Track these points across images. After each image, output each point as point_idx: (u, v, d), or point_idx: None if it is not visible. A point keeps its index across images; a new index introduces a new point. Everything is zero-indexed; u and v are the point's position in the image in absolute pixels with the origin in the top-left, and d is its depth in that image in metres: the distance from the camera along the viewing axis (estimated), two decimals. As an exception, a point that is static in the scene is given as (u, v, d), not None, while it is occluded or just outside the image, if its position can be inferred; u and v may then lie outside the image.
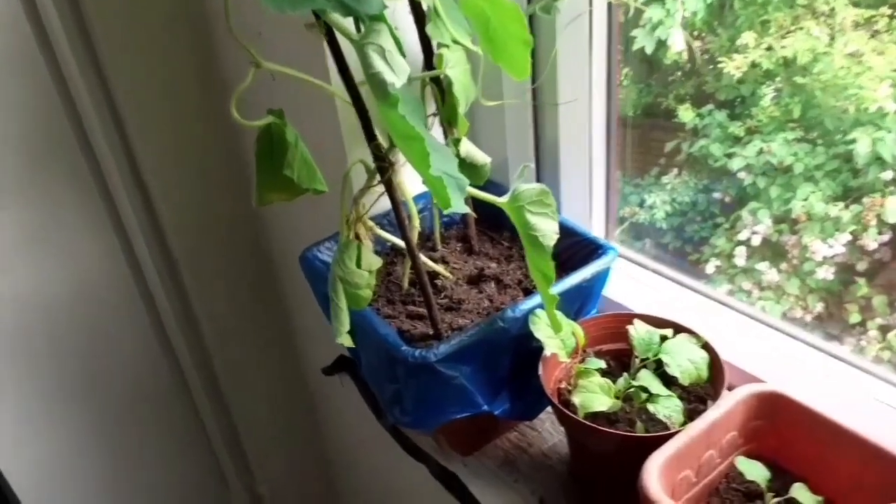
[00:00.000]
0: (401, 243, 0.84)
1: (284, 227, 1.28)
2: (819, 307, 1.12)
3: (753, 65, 1.10)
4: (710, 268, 1.20)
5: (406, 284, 0.89)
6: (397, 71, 0.55)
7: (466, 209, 0.60)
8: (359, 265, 0.69)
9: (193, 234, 1.29)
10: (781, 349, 0.85)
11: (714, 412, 0.73)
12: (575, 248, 0.89)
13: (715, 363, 0.80)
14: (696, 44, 1.15)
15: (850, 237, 1.05)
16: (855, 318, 1.07)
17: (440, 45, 0.77)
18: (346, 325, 0.69)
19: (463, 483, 0.89)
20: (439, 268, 0.90)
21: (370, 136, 0.67)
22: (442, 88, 0.84)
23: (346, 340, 0.70)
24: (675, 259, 1.11)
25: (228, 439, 1.51)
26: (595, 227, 1.01)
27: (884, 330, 1.03)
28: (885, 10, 0.95)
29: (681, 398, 0.80)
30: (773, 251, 1.18)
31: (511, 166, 0.97)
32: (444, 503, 0.94)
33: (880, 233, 1.01)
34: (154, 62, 1.13)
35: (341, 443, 1.58)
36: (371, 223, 0.81)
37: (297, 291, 1.35)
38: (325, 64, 0.84)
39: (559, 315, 0.71)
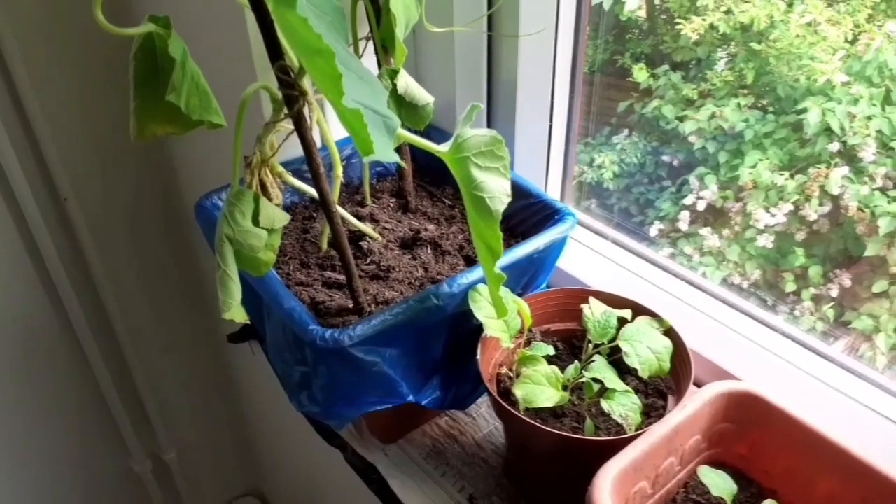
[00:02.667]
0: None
1: (195, 167, 1.10)
2: (756, 274, 1.12)
3: (711, 27, 1.09)
4: (653, 231, 1.18)
5: (325, 245, 0.75)
6: (303, -43, 0.40)
7: (395, 157, 0.46)
8: (256, 222, 0.54)
9: (86, 170, 1.10)
10: (755, 339, 0.75)
11: (679, 414, 0.62)
12: (527, 212, 0.76)
13: (679, 353, 0.70)
14: (656, 2, 1.13)
15: (792, 207, 1.05)
16: (790, 286, 1.06)
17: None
18: (237, 298, 0.54)
19: (382, 476, 0.77)
20: (366, 227, 0.75)
21: (275, 54, 0.51)
22: (378, 6, 0.68)
23: (238, 316, 0.55)
24: (620, 220, 1.08)
25: (127, 400, 1.35)
26: (550, 188, 0.88)
27: (817, 300, 1.02)
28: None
29: (636, 391, 0.69)
30: (716, 217, 1.17)
31: (459, 109, 0.83)
32: (363, 491, 0.82)
33: (821, 204, 1.01)
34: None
35: (259, 413, 1.44)
36: (281, 168, 0.65)
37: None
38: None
39: (505, 294, 0.58)
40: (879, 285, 0.99)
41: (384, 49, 0.70)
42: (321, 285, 0.71)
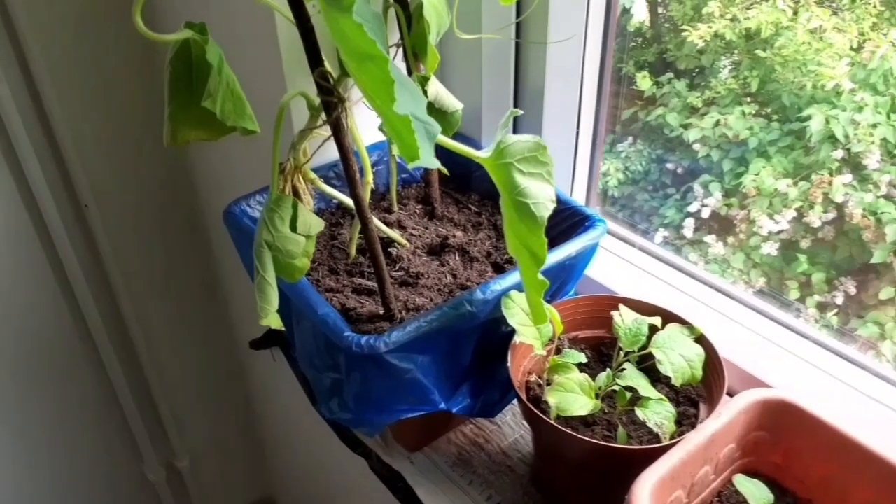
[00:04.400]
0: (349, 202, 0.69)
1: (217, 175, 1.10)
2: (761, 282, 1.11)
3: (716, 35, 1.09)
4: (658, 238, 1.18)
5: (354, 252, 0.74)
6: (354, -37, 0.40)
7: (437, 164, 0.46)
8: (294, 228, 0.54)
9: (106, 176, 1.10)
10: (786, 346, 0.74)
11: (714, 423, 0.62)
12: (556, 218, 0.75)
13: (712, 361, 0.69)
14: (659, 10, 1.14)
15: (795, 213, 1.04)
16: (794, 294, 1.06)
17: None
18: (275, 304, 0.54)
19: (408, 484, 0.77)
20: (395, 234, 0.75)
21: (315, 61, 0.51)
22: (408, 12, 0.68)
23: (275, 322, 0.55)
24: (625, 227, 1.06)
25: (142, 407, 1.35)
26: (575, 194, 0.88)
27: (822, 307, 1.01)
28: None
29: (667, 398, 0.69)
30: (721, 224, 1.17)
31: (485, 115, 0.83)
32: (382, 500, 0.81)
33: (825, 211, 1.01)
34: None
35: (274, 421, 1.44)
36: (313, 175, 0.65)
37: (230, 248, 1.19)
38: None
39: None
40: (886, 292, 0.99)
41: (414, 55, 0.70)
42: (351, 291, 0.70)
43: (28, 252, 1.10)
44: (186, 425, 1.46)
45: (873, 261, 0.99)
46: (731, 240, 1.16)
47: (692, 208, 1.18)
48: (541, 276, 0.50)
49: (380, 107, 0.42)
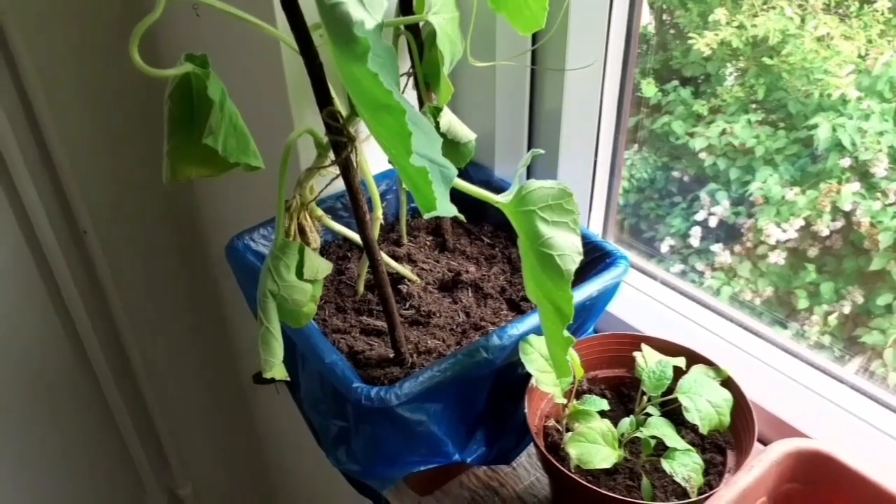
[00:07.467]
0: (358, 238, 0.66)
1: (222, 203, 1.07)
2: (769, 291, 1.10)
3: (723, 42, 1.08)
4: (664, 247, 1.18)
5: (362, 288, 0.71)
6: (370, 5, 0.36)
7: (454, 211, 0.42)
8: (300, 275, 0.50)
9: (105, 202, 1.07)
10: (819, 391, 0.70)
11: (746, 477, 0.58)
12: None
13: (740, 406, 0.66)
14: (664, 17, 1.13)
15: (803, 222, 1.03)
16: (803, 303, 1.04)
17: (423, -18, 0.58)
18: (279, 357, 0.51)
19: (419, 532, 0.73)
20: (405, 270, 0.71)
21: (323, 101, 0.48)
22: (420, 40, 0.65)
23: (280, 374, 0.52)
24: (630, 237, 1.05)
25: (143, 434, 1.31)
26: (592, 224, 0.84)
27: (827, 316, 1.00)
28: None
29: (693, 444, 0.65)
30: (727, 233, 1.16)
31: (499, 142, 0.79)
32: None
33: (834, 219, 1.00)
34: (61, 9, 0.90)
35: (280, 451, 1.40)
36: (320, 212, 0.62)
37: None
38: (270, -2, 0.63)
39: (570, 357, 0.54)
40: (885, 299, 0.97)
41: (426, 85, 0.67)
42: (359, 332, 0.67)
43: (25, 280, 1.07)
44: (189, 453, 1.42)
45: (882, 269, 0.96)
46: (737, 248, 1.14)
47: (699, 217, 1.16)
48: (566, 333, 0.47)
49: (395, 157, 0.39)
